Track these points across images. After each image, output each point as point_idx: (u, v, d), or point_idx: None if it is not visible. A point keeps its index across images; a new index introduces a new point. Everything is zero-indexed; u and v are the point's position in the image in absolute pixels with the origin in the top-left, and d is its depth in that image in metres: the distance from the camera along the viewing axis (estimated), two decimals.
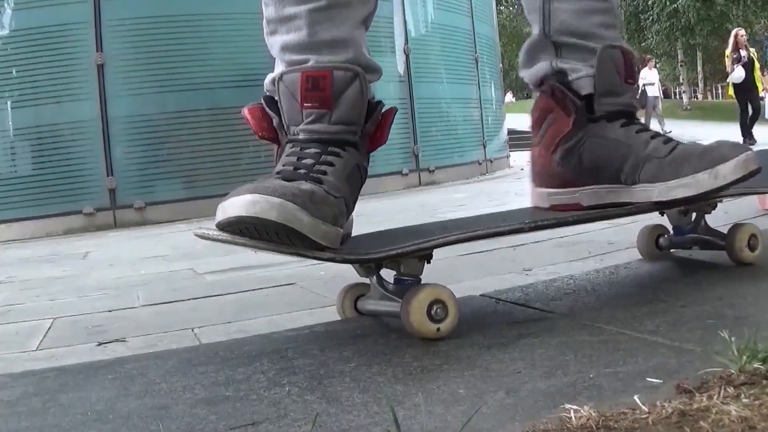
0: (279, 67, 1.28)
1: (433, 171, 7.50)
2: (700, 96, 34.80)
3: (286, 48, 1.27)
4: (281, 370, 1.07)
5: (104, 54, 5.75)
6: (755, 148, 1.41)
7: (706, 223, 1.53)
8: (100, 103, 5.75)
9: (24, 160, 5.84)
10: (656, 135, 1.39)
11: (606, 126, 1.38)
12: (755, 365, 0.79)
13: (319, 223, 1.09)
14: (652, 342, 1.00)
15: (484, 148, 8.66)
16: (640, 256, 1.65)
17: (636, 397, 0.77)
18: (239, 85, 5.77)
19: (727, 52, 10.85)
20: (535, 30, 1.45)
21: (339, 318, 1.37)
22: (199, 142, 6.00)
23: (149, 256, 3.38)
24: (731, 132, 11.06)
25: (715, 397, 0.73)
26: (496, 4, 11.68)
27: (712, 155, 1.30)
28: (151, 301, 1.99)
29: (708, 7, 27.57)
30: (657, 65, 17.46)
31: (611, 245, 2.09)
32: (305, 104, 1.21)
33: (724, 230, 1.48)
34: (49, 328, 1.73)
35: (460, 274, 1.88)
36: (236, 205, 1.05)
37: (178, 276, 2.50)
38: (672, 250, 1.63)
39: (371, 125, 1.27)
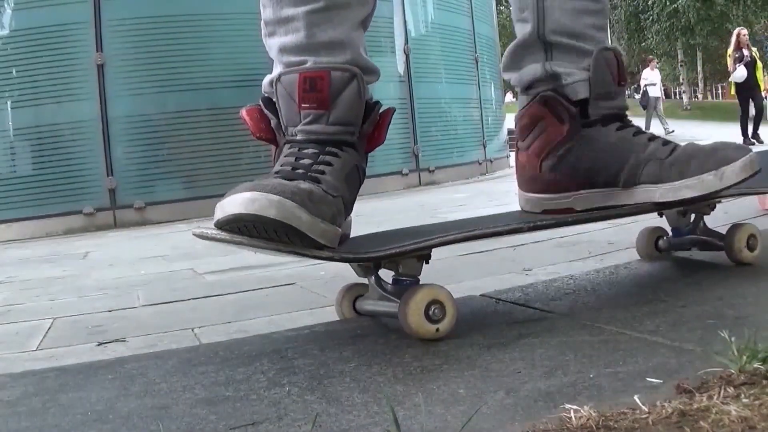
0: (277, 69, 1.28)
1: (433, 171, 7.50)
2: (700, 96, 34.81)
3: (284, 49, 1.27)
4: (281, 370, 1.07)
5: (104, 54, 5.75)
6: (756, 148, 1.41)
7: (705, 224, 1.53)
8: (100, 103, 5.74)
9: (24, 160, 5.84)
10: (654, 137, 1.38)
11: (601, 130, 1.37)
12: (755, 365, 0.79)
13: (318, 221, 1.09)
14: (652, 342, 1.00)
15: (484, 148, 8.66)
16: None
17: (636, 397, 0.77)
18: (239, 85, 5.77)
19: (729, 51, 10.84)
20: (527, 29, 1.41)
21: (339, 318, 1.37)
22: (199, 142, 5.99)
23: (149, 256, 3.38)
24: (731, 132, 11.06)
25: (715, 397, 0.73)
26: (496, 4, 11.67)
27: (717, 157, 1.30)
28: (151, 301, 1.99)
29: (708, 7, 27.58)
30: (657, 65, 17.43)
31: (611, 245, 2.09)
32: (303, 105, 1.22)
33: (724, 231, 1.48)
34: (49, 328, 1.73)
35: (460, 274, 1.88)
36: (235, 202, 1.05)
37: (178, 276, 2.50)
38: (671, 252, 1.63)
39: (369, 126, 1.27)
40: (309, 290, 1.91)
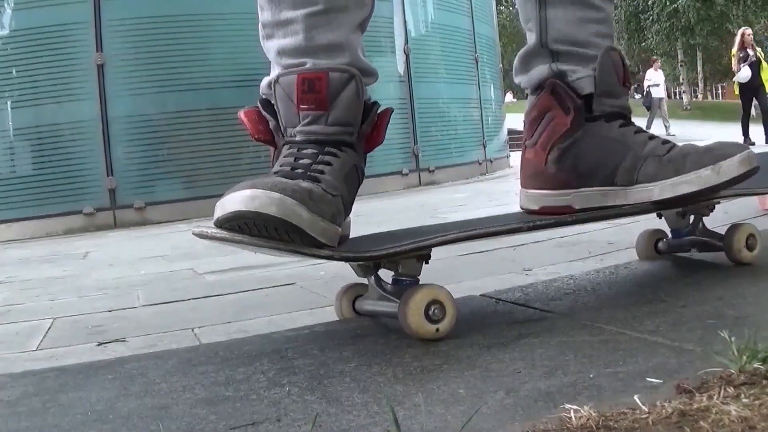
0: (275, 71, 1.28)
1: (433, 171, 7.50)
2: (700, 96, 34.81)
3: (282, 52, 1.27)
4: (281, 370, 1.07)
5: (104, 54, 5.75)
6: (756, 150, 1.41)
7: (704, 225, 1.53)
8: (100, 103, 5.75)
9: (24, 160, 5.84)
10: (653, 137, 1.40)
11: (604, 126, 1.39)
12: (755, 365, 0.79)
13: (318, 219, 1.09)
14: (652, 342, 1.00)
15: (484, 148, 8.66)
16: None
17: (636, 397, 0.77)
18: (239, 85, 5.77)
19: (734, 51, 10.80)
20: (532, 38, 1.45)
21: (339, 318, 1.37)
22: (199, 142, 6.00)
23: (149, 256, 3.38)
24: (732, 132, 11.06)
25: (715, 397, 0.73)
26: (496, 4, 11.68)
27: (714, 153, 1.32)
28: (151, 301, 1.99)
29: (708, 7, 27.59)
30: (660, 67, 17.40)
31: (611, 245, 2.09)
32: (302, 106, 1.22)
33: (723, 231, 1.48)
34: (49, 328, 1.73)
35: (460, 274, 1.88)
36: (235, 200, 1.05)
37: (178, 276, 2.50)
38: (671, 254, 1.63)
39: (368, 126, 1.27)
40: (309, 290, 1.91)
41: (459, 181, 7.51)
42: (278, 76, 1.25)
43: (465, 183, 7.35)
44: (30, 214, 5.65)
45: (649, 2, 29.37)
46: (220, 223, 1.09)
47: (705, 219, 1.53)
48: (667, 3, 28.29)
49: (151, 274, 2.61)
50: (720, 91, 43.82)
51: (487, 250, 2.21)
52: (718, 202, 1.53)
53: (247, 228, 1.09)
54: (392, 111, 1.32)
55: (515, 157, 9.93)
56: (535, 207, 1.43)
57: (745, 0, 26.52)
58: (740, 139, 9.67)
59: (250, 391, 0.98)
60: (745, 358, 0.80)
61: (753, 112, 10.92)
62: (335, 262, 1.51)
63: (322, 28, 1.25)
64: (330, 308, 1.45)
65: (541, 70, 1.43)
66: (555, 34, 1.42)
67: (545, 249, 2.19)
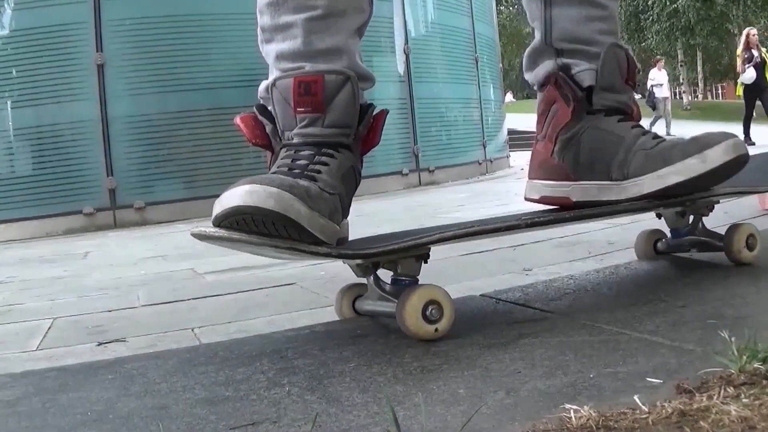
0: (273, 75, 1.29)
1: (433, 171, 7.50)
2: (700, 96, 34.81)
3: (281, 56, 1.28)
4: (281, 370, 1.07)
5: (104, 54, 5.75)
6: (756, 150, 1.42)
7: (703, 225, 1.53)
8: (100, 103, 5.75)
9: (24, 160, 5.84)
10: (646, 132, 1.43)
11: (603, 119, 1.42)
12: (755, 365, 0.79)
13: (317, 215, 1.09)
14: (652, 342, 1.00)
15: (484, 148, 8.66)
16: None
17: (636, 397, 0.77)
18: (240, 85, 5.77)
19: (738, 51, 10.77)
20: (538, 37, 1.49)
21: (338, 318, 1.37)
22: (200, 142, 6.00)
23: (149, 256, 3.38)
24: (732, 131, 11.04)
25: (715, 397, 0.73)
26: (496, 4, 11.68)
27: (700, 142, 1.34)
28: (151, 301, 1.99)
29: (708, 7, 27.58)
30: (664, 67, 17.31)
31: (611, 245, 2.09)
32: (298, 109, 1.23)
33: (723, 231, 1.48)
34: (49, 328, 1.73)
35: (460, 274, 1.88)
36: (234, 196, 1.05)
37: (178, 276, 2.50)
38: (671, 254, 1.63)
39: (364, 128, 1.28)
40: (309, 290, 1.91)
41: (459, 181, 7.51)
42: (275, 80, 1.26)
43: (465, 183, 7.35)
44: (30, 214, 5.65)
45: (649, 2, 29.37)
46: (219, 221, 1.09)
47: (705, 219, 1.53)
48: (667, 3, 28.28)
49: (151, 274, 2.61)
50: (720, 91, 43.81)
51: (487, 250, 2.21)
52: (718, 202, 1.52)
53: (246, 225, 1.09)
54: (387, 113, 1.33)
55: (515, 157, 9.95)
56: (535, 196, 1.49)
57: (745, 0, 26.51)
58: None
59: (250, 391, 0.98)
60: (745, 358, 0.80)
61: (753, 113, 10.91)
62: (335, 263, 1.51)
63: (321, 33, 1.26)
64: (330, 308, 1.45)
65: (546, 66, 1.47)
66: (559, 33, 1.45)
67: (545, 249, 2.19)
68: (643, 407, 0.73)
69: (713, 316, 1.09)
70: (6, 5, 5.75)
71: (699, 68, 31.90)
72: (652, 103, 15.91)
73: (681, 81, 31.44)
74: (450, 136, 8.13)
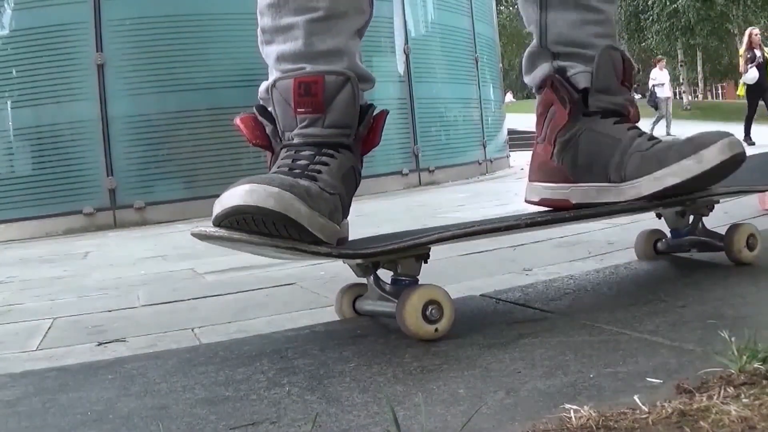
0: (273, 75, 1.29)
1: (433, 171, 7.50)
2: (700, 96, 34.80)
3: (281, 57, 1.28)
4: (281, 370, 1.07)
5: (104, 54, 5.75)
6: (755, 150, 1.42)
7: (703, 225, 1.53)
8: (100, 103, 5.75)
9: (24, 160, 5.84)
10: (642, 133, 1.43)
11: (599, 121, 1.42)
12: (755, 365, 0.79)
13: (317, 215, 1.09)
14: (652, 342, 1.00)
15: (484, 148, 8.66)
16: None
17: (636, 397, 0.77)
18: (239, 85, 5.77)
19: (741, 51, 10.75)
20: (534, 40, 1.50)
21: (339, 318, 1.37)
22: (199, 142, 6.00)
23: (149, 256, 3.38)
24: (732, 131, 11.04)
25: (715, 397, 0.73)
26: (496, 4, 11.68)
27: (695, 142, 1.33)
28: (151, 301, 1.99)
29: (708, 7, 27.57)
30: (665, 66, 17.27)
31: (611, 245, 2.09)
32: (299, 109, 1.23)
33: (724, 231, 1.48)
34: (49, 328, 1.73)
35: (460, 274, 1.88)
36: (234, 195, 1.05)
37: (178, 276, 2.50)
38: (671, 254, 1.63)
39: (364, 128, 1.28)
40: (309, 290, 1.91)
41: (459, 181, 7.51)
42: (275, 81, 1.26)
43: (465, 183, 7.35)
44: (30, 214, 5.65)
45: (649, 2, 29.36)
46: (219, 220, 1.09)
47: (705, 219, 1.53)
48: (667, 3, 28.27)
49: (151, 274, 2.61)
50: (720, 91, 43.82)
51: (487, 250, 2.21)
52: (718, 202, 1.53)
53: (246, 224, 1.09)
54: (388, 113, 1.33)
55: (515, 157, 9.95)
56: (535, 198, 1.49)
57: (745, 0, 26.50)
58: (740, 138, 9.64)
59: (250, 391, 0.98)
60: (745, 358, 0.80)
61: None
62: (335, 263, 1.51)
63: (322, 34, 1.26)
64: (330, 308, 1.45)
65: (543, 69, 1.48)
66: (554, 36, 1.47)
67: (545, 249, 2.19)
68: (643, 407, 0.73)
69: (713, 316, 1.09)
70: (6, 5, 5.76)
71: (699, 68, 31.89)
72: (654, 102, 15.89)
73: (681, 81, 31.44)
74: (450, 136, 8.13)
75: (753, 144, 9.54)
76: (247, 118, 1.28)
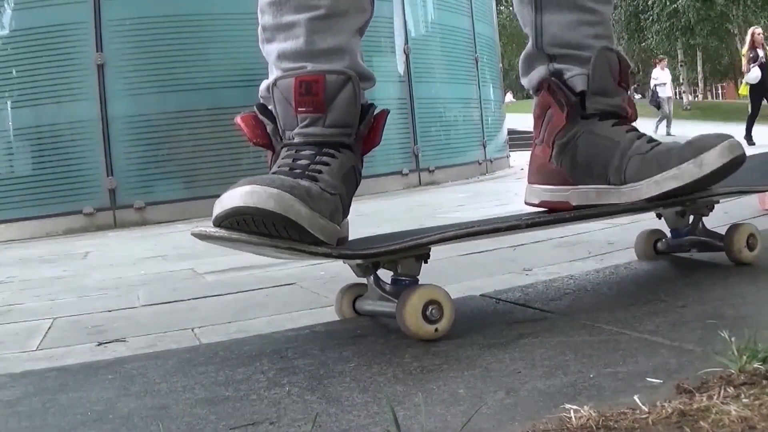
0: (274, 74, 1.29)
1: (433, 171, 7.50)
2: (700, 96, 34.80)
3: (282, 56, 1.28)
4: (281, 370, 1.07)
5: (104, 54, 5.75)
6: (756, 150, 1.42)
7: (703, 225, 1.53)
8: (100, 103, 5.75)
9: (24, 160, 5.84)
10: (641, 135, 1.42)
11: (597, 123, 1.42)
12: (755, 365, 0.79)
13: (317, 216, 1.09)
14: (652, 342, 1.00)
15: (484, 148, 8.66)
16: None
17: (636, 397, 0.77)
18: (239, 85, 5.77)
19: (744, 50, 10.73)
20: (530, 42, 1.50)
21: (339, 318, 1.37)
22: (199, 142, 6.00)
23: (149, 256, 3.38)
24: (732, 131, 11.03)
25: (715, 397, 0.73)
26: (496, 4, 11.67)
27: (695, 146, 1.33)
28: (151, 301, 1.99)
29: (708, 7, 27.57)
30: (666, 66, 17.24)
31: (611, 245, 2.09)
32: (300, 109, 1.23)
33: (724, 231, 1.48)
34: (49, 328, 1.73)
35: (460, 274, 1.88)
36: (234, 196, 1.05)
37: (178, 276, 2.50)
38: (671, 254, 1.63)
39: (364, 128, 1.28)
40: (309, 290, 1.91)
41: (459, 181, 7.51)
42: (276, 79, 1.25)
43: (465, 183, 7.35)
44: (30, 214, 5.65)
45: (649, 2, 29.36)
46: (219, 221, 1.09)
47: (705, 219, 1.53)
48: (667, 3, 28.27)
49: (151, 274, 2.61)
50: (720, 91, 43.82)
51: (487, 250, 2.21)
52: (718, 202, 1.53)
53: (246, 225, 1.09)
54: (388, 112, 1.33)
55: (515, 157, 9.95)
56: (535, 201, 1.49)
57: (745, 0, 26.50)
58: (743, 140, 9.65)
59: (250, 391, 0.98)
60: (745, 358, 0.80)
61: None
62: (335, 263, 1.51)
63: (323, 32, 1.26)
64: (330, 308, 1.45)
65: (540, 71, 1.48)
66: (549, 38, 1.46)
67: (545, 249, 2.19)
68: (643, 407, 0.73)
69: (713, 316, 1.09)
70: (6, 5, 5.75)
71: (699, 68, 31.90)
72: (656, 102, 15.87)
73: (681, 81, 31.44)
74: (450, 136, 8.13)
75: (753, 144, 9.54)
76: (248, 117, 1.28)
